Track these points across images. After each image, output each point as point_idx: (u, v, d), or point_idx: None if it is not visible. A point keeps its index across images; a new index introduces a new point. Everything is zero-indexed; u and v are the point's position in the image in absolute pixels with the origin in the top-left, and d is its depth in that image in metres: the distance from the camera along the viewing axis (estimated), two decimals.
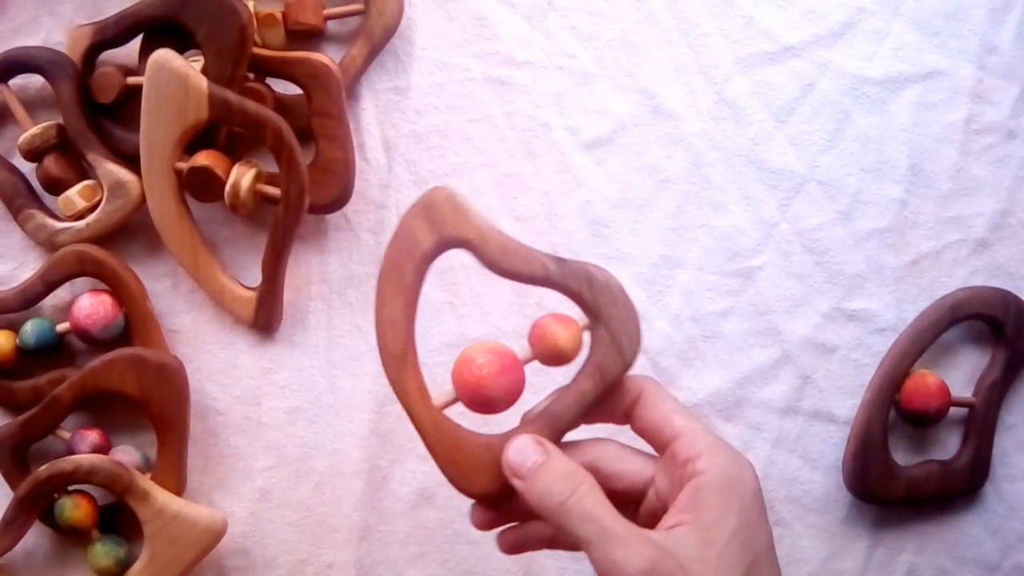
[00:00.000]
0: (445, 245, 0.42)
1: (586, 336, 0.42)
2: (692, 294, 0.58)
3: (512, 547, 0.44)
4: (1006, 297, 0.57)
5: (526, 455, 0.39)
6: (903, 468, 0.56)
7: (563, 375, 0.42)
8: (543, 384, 0.44)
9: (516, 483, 0.39)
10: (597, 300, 0.41)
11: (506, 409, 0.41)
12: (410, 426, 0.56)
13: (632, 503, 0.41)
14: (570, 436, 0.42)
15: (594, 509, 0.37)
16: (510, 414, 0.42)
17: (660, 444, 0.40)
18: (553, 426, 0.41)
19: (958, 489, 0.56)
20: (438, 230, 0.41)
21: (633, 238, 0.58)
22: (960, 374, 0.58)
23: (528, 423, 0.42)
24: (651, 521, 0.39)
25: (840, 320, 0.58)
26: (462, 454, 0.41)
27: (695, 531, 0.36)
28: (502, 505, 0.42)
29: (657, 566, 0.35)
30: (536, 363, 0.42)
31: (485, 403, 0.41)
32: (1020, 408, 0.58)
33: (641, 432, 0.41)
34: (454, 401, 0.42)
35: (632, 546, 0.36)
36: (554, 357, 0.41)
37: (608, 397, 0.41)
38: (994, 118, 0.59)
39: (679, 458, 0.39)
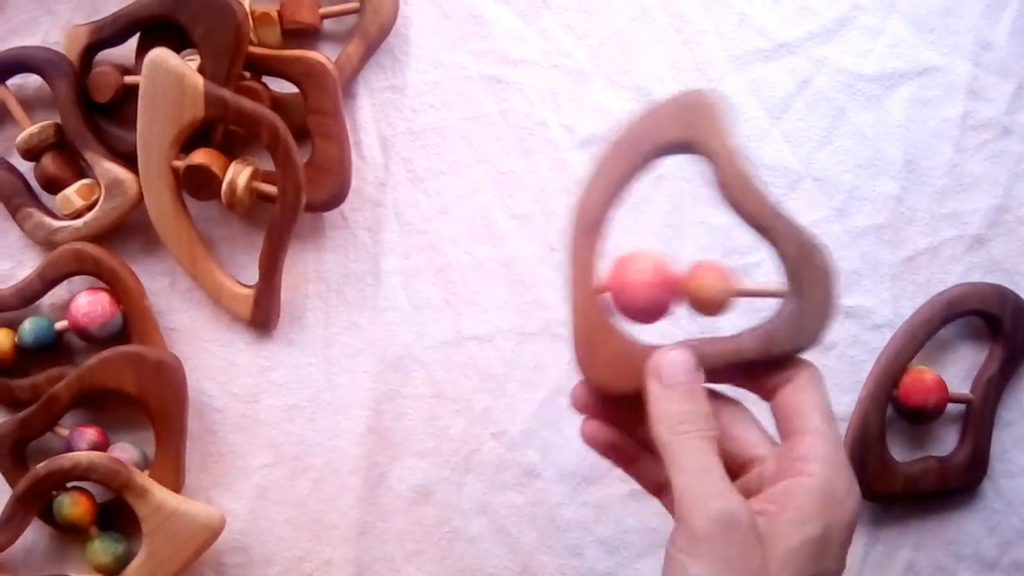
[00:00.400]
0: (685, 147, 0.40)
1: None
2: None
3: (592, 440, 0.43)
4: (1003, 293, 0.57)
5: (679, 368, 0.38)
6: (901, 464, 0.56)
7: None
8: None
9: (653, 387, 0.38)
10: (802, 274, 0.39)
11: (641, 322, 0.40)
12: (407, 423, 0.57)
13: (730, 474, 0.40)
14: None
15: (706, 449, 0.37)
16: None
17: (788, 431, 0.39)
18: (701, 362, 0.39)
19: (956, 485, 0.56)
20: (687, 129, 0.39)
21: (629, 235, 0.58)
22: (957, 370, 0.58)
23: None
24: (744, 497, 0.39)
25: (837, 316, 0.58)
26: (601, 340, 0.40)
27: (776, 520, 0.36)
28: (612, 407, 0.41)
29: (733, 521, 0.35)
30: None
31: (625, 304, 0.40)
32: (1018, 404, 0.58)
33: (776, 412, 0.40)
34: (603, 290, 0.40)
35: (724, 491, 0.36)
36: (697, 301, 0.40)
37: (764, 368, 0.40)
38: (989, 114, 0.59)
39: (796, 452, 0.38)
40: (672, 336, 0.41)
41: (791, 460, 0.38)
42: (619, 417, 0.42)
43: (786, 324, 0.39)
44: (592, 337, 0.40)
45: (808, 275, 0.39)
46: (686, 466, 0.36)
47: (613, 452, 0.43)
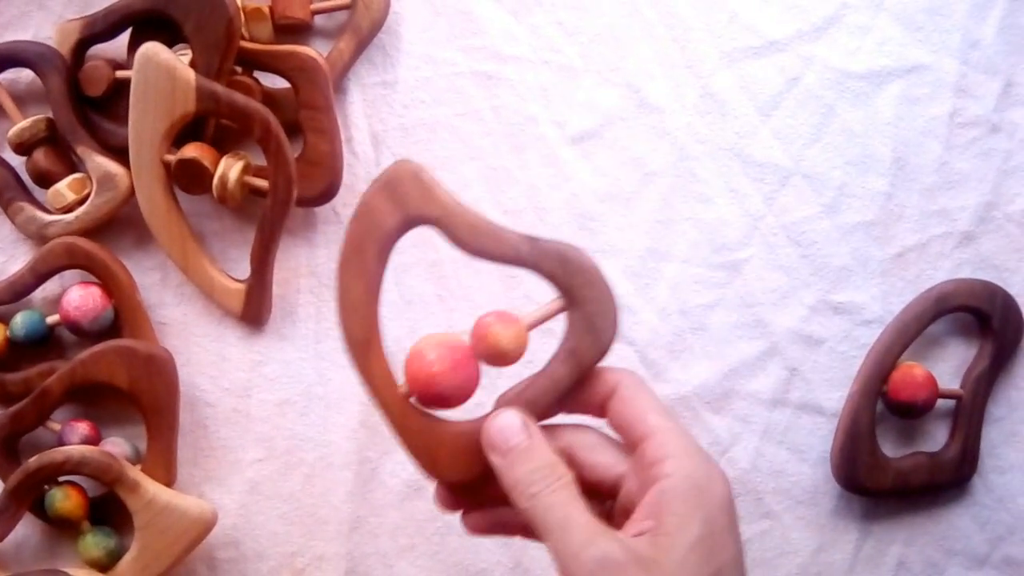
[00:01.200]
0: (410, 223, 0.39)
1: (551, 327, 0.40)
2: (679, 287, 0.58)
3: (477, 529, 0.42)
4: (992, 289, 0.57)
5: (508, 432, 0.38)
6: (891, 460, 0.56)
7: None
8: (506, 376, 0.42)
9: (495, 460, 0.38)
10: (572, 282, 0.39)
11: (459, 405, 0.39)
12: None
13: (607, 497, 0.40)
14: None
15: (564, 501, 0.36)
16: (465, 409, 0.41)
17: (632, 441, 0.39)
18: (528, 412, 0.39)
19: (947, 480, 0.56)
20: (402, 207, 0.39)
21: (619, 231, 0.58)
22: (947, 366, 0.58)
23: (503, 405, 0.40)
24: (624, 520, 0.38)
25: (826, 312, 0.58)
26: (433, 441, 0.40)
27: (656, 536, 0.35)
28: (472, 493, 0.41)
29: (610, 563, 0.34)
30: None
31: (437, 399, 0.39)
32: (1007, 400, 0.58)
33: (616, 427, 0.40)
34: (408, 395, 0.40)
35: (591, 537, 0.35)
36: (496, 357, 0.39)
37: (584, 386, 0.40)
38: (977, 112, 0.59)
39: (647, 459, 0.37)
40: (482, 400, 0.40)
41: (645, 468, 0.37)
42: (493, 497, 0.40)
43: (582, 335, 0.39)
44: (423, 442, 0.40)
45: (577, 280, 0.39)
46: (550, 525, 0.36)
47: (507, 529, 0.42)
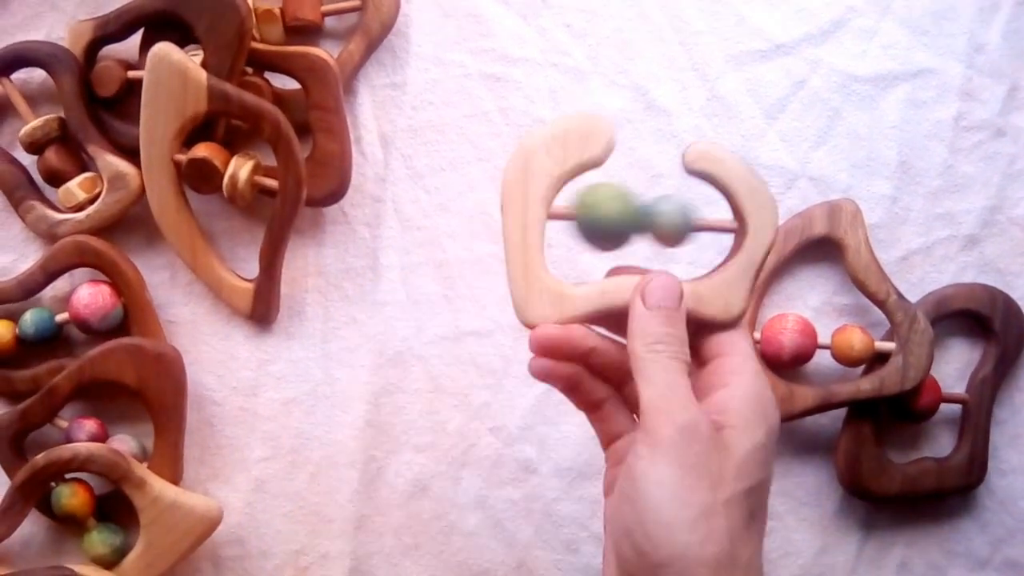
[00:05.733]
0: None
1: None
2: None
3: (539, 371, 0.42)
4: (993, 293, 0.57)
5: (667, 295, 0.39)
6: (898, 465, 0.56)
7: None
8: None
9: (636, 305, 0.39)
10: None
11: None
12: (405, 418, 0.57)
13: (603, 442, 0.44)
14: None
15: (678, 370, 0.38)
16: None
17: (714, 355, 0.41)
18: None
19: (955, 486, 0.56)
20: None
21: None
22: (951, 370, 0.58)
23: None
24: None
25: (831, 315, 0.58)
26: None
27: (724, 432, 0.38)
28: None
29: (696, 431, 0.37)
30: None
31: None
32: (1011, 403, 0.58)
33: (701, 348, 0.41)
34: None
35: (688, 405, 0.37)
36: (843, 355, 0.53)
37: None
38: (983, 116, 0.59)
39: (724, 368, 0.40)
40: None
41: (720, 375, 0.40)
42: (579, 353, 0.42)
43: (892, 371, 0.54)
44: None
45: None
46: (656, 381, 0.38)
47: (572, 390, 0.43)
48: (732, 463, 0.37)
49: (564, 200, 0.41)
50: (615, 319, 0.41)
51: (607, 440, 0.44)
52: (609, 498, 0.42)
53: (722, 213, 0.42)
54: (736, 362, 0.40)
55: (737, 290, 0.41)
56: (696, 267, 0.57)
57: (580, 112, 0.41)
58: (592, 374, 0.43)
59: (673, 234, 0.41)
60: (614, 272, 0.42)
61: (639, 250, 0.43)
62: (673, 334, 0.39)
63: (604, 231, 0.41)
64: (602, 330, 0.42)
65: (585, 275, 0.57)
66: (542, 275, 0.40)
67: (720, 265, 0.42)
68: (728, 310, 0.41)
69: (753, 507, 0.38)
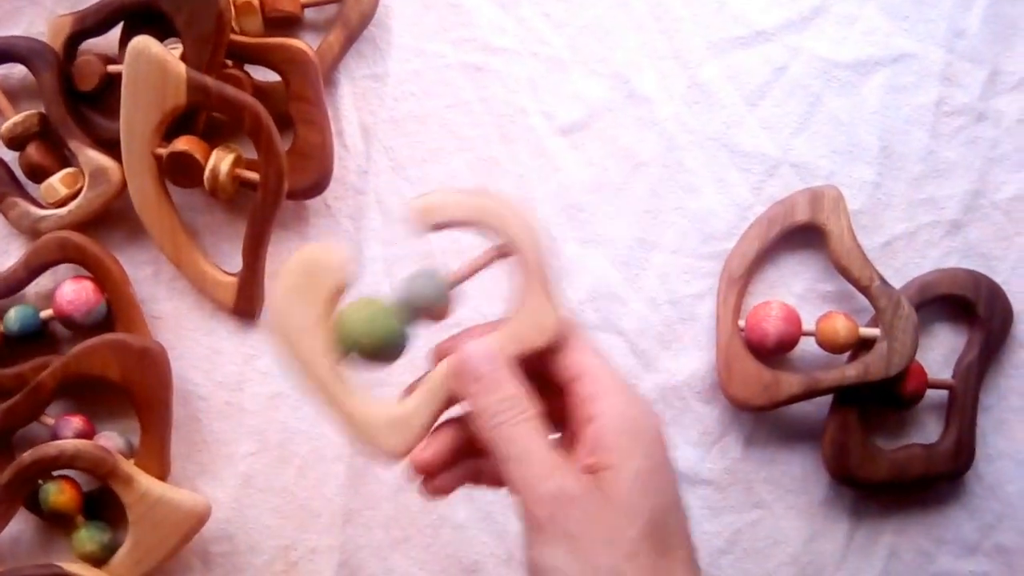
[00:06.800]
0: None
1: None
2: (668, 277, 0.58)
3: (439, 491, 0.41)
4: (977, 278, 0.57)
5: (480, 362, 0.38)
6: (886, 451, 0.56)
7: None
8: None
9: (460, 388, 0.38)
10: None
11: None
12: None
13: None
14: None
15: (526, 433, 0.36)
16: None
17: (564, 380, 0.39)
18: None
19: (943, 472, 0.56)
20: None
21: (608, 221, 0.59)
22: (936, 355, 0.59)
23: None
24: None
25: (815, 301, 0.58)
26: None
27: (601, 471, 0.36)
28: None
29: (566, 497, 0.35)
30: None
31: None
32: (996, 388, 0.58)
33: (550, 368, 0.39)
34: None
35: (549, 471, 0.35)
36: (828, 341, 0.54)
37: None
38: (963, 100, 0.59)
39: (580, 396, 0.37)
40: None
41: (582, 405, 0.37)
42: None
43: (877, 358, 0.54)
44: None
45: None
46: (511, 456, 0.36)
47: (477, 482, 0.41)
48: (618, 509, 0.35)
49: None
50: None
51: None
52: None
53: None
54: (588, 385, 0.37)
55: (541, 308, 0.38)
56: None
57: (303, 249, 0.39)
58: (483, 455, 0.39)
59: (440, 305, 0.39)
60: (439, 351, 0.40)
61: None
62: (504, 398, 0.37)
63: (380, 348, 0.39)
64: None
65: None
66: (370, 412, 0.39)
67: (516, 295, 0.39)
68: (544, 331, 0.38)
69: (661, 540, 0.35)
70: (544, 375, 0.39)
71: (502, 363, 0.38)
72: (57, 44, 0.57)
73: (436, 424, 0.40)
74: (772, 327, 0.55)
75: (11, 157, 0.59)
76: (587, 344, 0.39)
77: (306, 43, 0.56)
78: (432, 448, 0.39)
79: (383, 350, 0.39)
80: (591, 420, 0.37)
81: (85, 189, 0.56)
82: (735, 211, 0.58)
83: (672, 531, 0.36)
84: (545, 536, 0.35)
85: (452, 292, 0.39)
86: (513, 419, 0.36)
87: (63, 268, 0.57)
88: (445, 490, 0.40)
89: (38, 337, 0.57)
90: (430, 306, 0.39)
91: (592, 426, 0.36)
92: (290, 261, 0.39)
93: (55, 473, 0.54)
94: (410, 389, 0.40)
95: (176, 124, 0.55)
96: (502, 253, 0.39)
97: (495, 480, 0.40)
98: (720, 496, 0.57)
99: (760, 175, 0.59)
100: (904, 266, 0.58)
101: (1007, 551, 0.58)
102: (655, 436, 0.37)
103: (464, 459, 0.40)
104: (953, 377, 0.57)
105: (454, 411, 0.40)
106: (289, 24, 0.59)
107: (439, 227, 0.39)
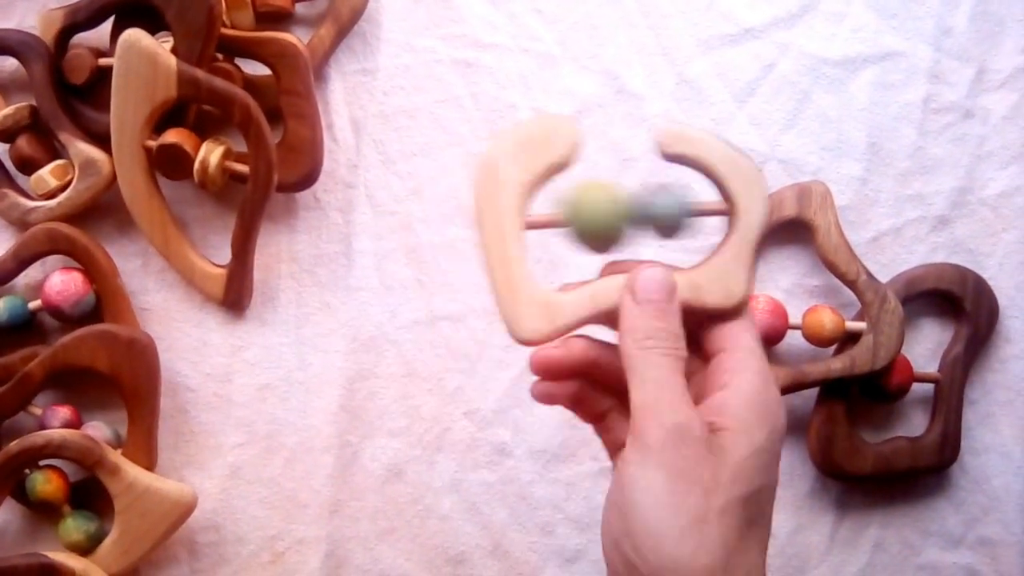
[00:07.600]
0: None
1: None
2: None
3: (544, 395, 0.41)
4: (963, 273, 0.58)
5: (654, 286, 0.37)
6: (871, 444, 0.56)
7: None
8: None
9: (626, 301, 0.37)
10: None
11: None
12: (380, 402, 0.57)
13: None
14: None
15: (671, 367, 0.36)
16: None
17: (715, 351, 0.39)
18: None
19: (929, 465, 0.57)
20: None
21: None
22: (922, 349, 0.59)
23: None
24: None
25: (802, 296, 0.59)
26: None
27: (723, 431, 0.36)
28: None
29: (686, 434, 0.35)
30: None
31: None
32: (982, 382, 0.59)
33: (706, 340, 0.39)
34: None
35: (680, 406, 0.35)
36: (814, 335, 0.54)
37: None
38: (951, 98, 0.60)
39: (725, 366, 0.38)
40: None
41: (720, 373, 0.37)
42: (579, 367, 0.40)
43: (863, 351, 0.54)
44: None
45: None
46: (647, 379, 0.36)
47: (576, 405, 0.42)
48: (727, 468, 0.35)
49: (541, 206, 0.40)
50: (613, 320, 0.39)
51: (614, 450, 0.41)
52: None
53: (705, 195, 0.40)
54: (737, 359, 0.38)
55: (736, 274, 0.38)
56: (689, 253, 0.56)
57: (541, 115, 0.38)
58: (595, 386, 0.41)
59: (672, 226, 0.39)
60: (608, 269, 0.40)
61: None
62: (665, 329, 0.37)
63: (597, 233, 0.39)
64: (603, 334, 0.41)
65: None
66: (528, 288, 0.38)
67: (714, 250, 0.39)
68: (729, 296, 0.38)
69: (752, 514, 0.35)
70: (692, 334, 0.39)
71: (676, 299, 0.38)
72: (48, 37, 0.57)
73: (576, 331, 0.39)
74: (759, 320, 0.55)
75: (1, 149, 0.59)
76: (750, 325, 0.39)
77: (297, 37, 0.56)
78: (562, 351, 0.40)
79: (601, 238, 0.39)
80: (724, 387, 0.37)
81: (75, 181, 0.57)
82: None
83: (762, 515, 0.36)
84: (650, 459, 0.35)
85: (688, 220, 0.39)
86: (665, 350, 0.37)
87: (52, 259, 0.57)
88: (552, 398, 0.41)
89: (26, 328, 0.57)
90: (665, 222, 0.39)
91: (723, 393, 0.37)
92: (525, 121, 0.39)
93: (42, 463, 0.54)
94: (568, 288, 0.39)
95: (166, 117, 0.55)
96: (726, 212, 0.39)
97: (592, 414, 0.41)
98: None
99: None
100: (891, 261, 0.59)
101: (992, 543, 0.58)
102: (779, 425, 0.37)
103: (579, 379, 0.40)
104: (939, 371, 0.58)
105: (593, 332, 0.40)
106: (280, 18, 0.59)
107: (673, 159, 0.39)
